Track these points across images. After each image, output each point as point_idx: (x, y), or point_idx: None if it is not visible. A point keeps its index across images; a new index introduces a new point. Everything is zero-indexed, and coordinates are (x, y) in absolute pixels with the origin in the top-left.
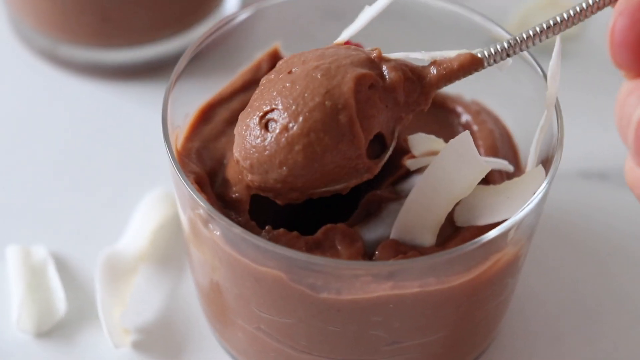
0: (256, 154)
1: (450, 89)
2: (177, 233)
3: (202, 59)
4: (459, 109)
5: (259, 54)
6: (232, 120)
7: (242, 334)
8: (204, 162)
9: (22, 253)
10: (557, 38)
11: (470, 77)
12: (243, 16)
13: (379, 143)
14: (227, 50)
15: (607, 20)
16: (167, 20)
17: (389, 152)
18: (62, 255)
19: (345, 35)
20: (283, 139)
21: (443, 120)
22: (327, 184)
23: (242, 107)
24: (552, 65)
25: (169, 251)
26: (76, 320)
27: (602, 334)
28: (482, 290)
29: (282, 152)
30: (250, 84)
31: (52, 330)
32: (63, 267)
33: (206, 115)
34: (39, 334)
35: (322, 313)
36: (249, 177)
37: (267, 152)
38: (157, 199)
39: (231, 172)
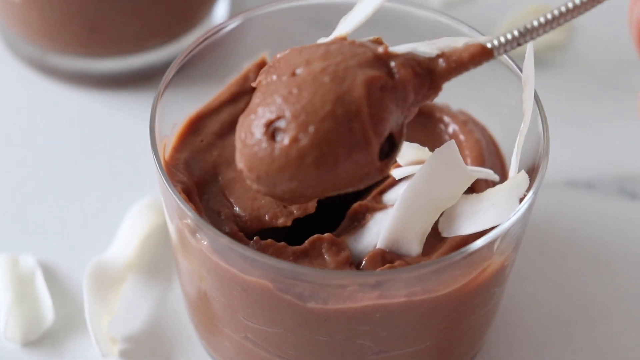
0: (263, 167)
1: (437, 99)
2: (166, 242)
3: (190, 69)
4: (446, 119)
5: (247, 64)
6: (222, 133)
7: (229, 343)
8: (192, 173)
9: (9, 262)
10: (529, 42)
11: (457, 87)
12: (231, 26)
13: (388, 142)
14: (215, 60)
15: (593, 31)
16: (155, 30)
17: (399, 150)
18: (49, 264)
19: (342, 29)
20: (293, 152)
21: (430, 129)
22: (338, 190)
23: (231, 119)
24: (526, 68)
25: (157, 260)
26: (64, 329)
27: (587, 343)
28: (469, 299)
29: (292, 165)
30: (238, 96)
31: (40, 340)
32: (51, 275)
33: (195, 126)
34: (27, 343)
35: (309, 322)
36: (255, 186)
37: (276, 165)
38: (146, 208)
39: (234, 195)
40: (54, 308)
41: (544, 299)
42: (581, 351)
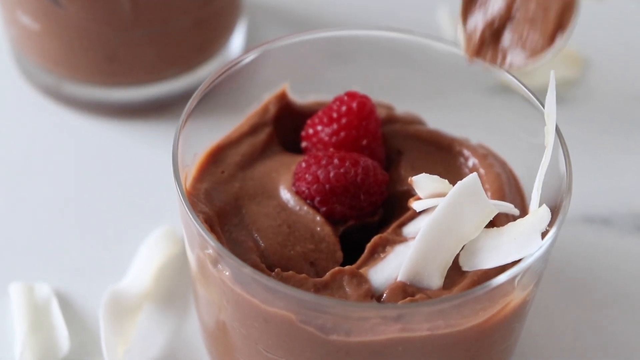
0: None
1: (457, 132)
2: (182, 271)
3: (210, 100)
4: (466, 152)
5: (267, 95)
6: (243, 165)
7: None
8: (212, 203)
9: (25, 290)
10: (552, 73)
11: (476, 120)
12: (250, 57)
13: None
14: (234, 91)
15: (605, 65)
16: (172, 60)
17: None
18: (65, 293)
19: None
20: None
21: (449, 163)
22: None
23: (251, 151)
24: (548, 101)
25: (173, 290)
26: (79, 358)
27: None
28: (491, 334)
29: None
30: (258, 128)
31: None
32: (66, 304)
33: (215, 157)
34: None
35: (330, 355)
36: None
37: None
38: (161, 237)
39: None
40: (70, 337)
41: (560, 335)
42: None
